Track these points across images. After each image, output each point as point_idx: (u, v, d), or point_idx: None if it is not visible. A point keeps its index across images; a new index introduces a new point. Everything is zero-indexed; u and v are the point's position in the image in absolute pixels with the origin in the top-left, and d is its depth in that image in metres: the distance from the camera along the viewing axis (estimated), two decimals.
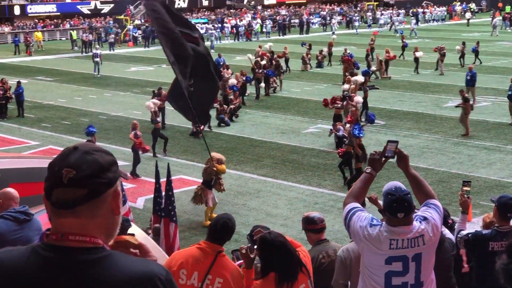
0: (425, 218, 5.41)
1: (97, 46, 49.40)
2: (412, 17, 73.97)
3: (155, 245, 7.33)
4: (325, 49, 44.62)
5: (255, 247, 6.22)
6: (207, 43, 57.69)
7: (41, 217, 7.28)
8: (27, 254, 2.47)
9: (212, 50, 51.62)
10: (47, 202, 2.48)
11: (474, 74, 30.24)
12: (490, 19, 69.12)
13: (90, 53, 51.88)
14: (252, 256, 6.19)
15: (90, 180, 2.44)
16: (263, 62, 34.82)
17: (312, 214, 7.80)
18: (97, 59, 42.32)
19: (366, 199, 7.73)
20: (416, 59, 39.41)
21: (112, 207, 2.52)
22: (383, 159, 5.63)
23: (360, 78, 28.01)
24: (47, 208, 2.50)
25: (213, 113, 27.52)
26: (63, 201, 2.44)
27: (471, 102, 29.75)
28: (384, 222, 5.43)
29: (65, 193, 2.43)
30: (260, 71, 33.45)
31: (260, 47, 42.15)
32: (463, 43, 41.50)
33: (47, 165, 2.51)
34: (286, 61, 41.38)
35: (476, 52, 42.30)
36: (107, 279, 2.41)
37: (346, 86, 26.95)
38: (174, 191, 14.75)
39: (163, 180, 13.64)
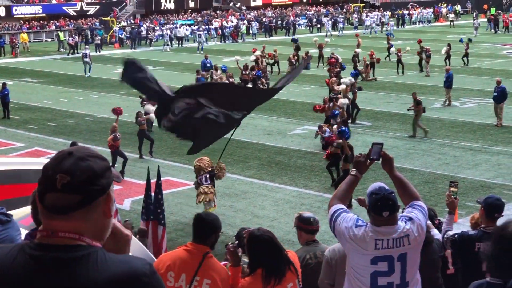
0: (410, 218, 5.46)
1: (87, 46, 49.35)
2: (391, 19, 74.39)
3: (142, 247, 7.32)
4: (313, 50, 44.77)
5: (238, 247, 6.25)
6: (195, 45, 57.90)
7: (25, 221, 7.23)
8: (15, 253, 2.49)
9: (202, 52, 51.63)
10: (40, 204, 2.50)
11: (451, 76, 30.45)
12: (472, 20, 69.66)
13: (78, 55, 51.86)
14: (239, 253, 6.22)
15: (84, 187, 2.46)
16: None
17: (306, 213, 7.79)
18: (87, 59, 42.56)
19: (355, 201, 7.75)
20: (399, 61, 39.68)
21: (104, 210, 2.54)
22: (368, 161, 5.66)
23: (349, 80, 28.06)
24: (39, 209, 2.51)
25: None
26: (56, 206, 2.45)
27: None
28: (369, 223, 5.46)
29: (58, 198, 2.44)
30: (247, 72, 33.44)
31: (264, 47, 42.21)
32: (449, 45, 41.72)
33: (30, 167, 2.53)
34: (277, 63, 41.54)
35: (466, 53, 42.60)
36: (92, 276, 2.42)
37: (343, 86, 27.01)
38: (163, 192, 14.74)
39: (153, 181, 13.65)
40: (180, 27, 62.95)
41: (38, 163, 12.65)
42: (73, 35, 57.94)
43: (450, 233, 7.62)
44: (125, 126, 24.14)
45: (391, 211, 5.35)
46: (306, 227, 7.55)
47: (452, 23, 75.51)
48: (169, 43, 58.35)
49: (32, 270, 2.43)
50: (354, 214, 5.62)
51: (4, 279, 2.44)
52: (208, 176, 16.65)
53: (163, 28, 62.54)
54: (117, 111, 21.93)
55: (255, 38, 65.45)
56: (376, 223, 5.39)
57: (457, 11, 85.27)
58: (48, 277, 2.42)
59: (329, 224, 5.63)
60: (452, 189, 7.97)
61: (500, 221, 7.62)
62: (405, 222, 5.43)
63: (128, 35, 61.72)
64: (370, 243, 5.35)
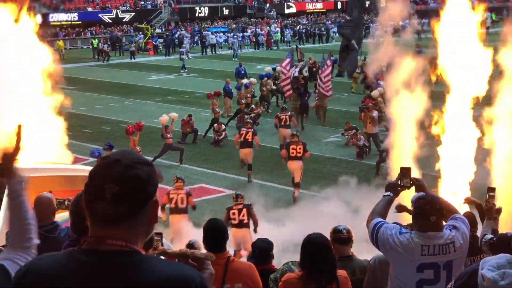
0: (454, 227, 5.52)
1: (184, 44, 56.03)
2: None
3: None
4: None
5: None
6: (230, 52, 58.06)
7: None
8: (64, 259, 2.50)
9: (236, 59, 51.78)
10: (88, 211, 2.49)
11: None
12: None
13: (112, 62, 52.39)
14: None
15: (132, 197, 2.45)
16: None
17: (339, 226, 7.74)
18: (184, 56, 49.46)
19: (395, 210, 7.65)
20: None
21: (150, 216, 2.55)
22: (399, 188, 5.82)
23: (378, 91, 27.85)
24: (87, 216, 2.51)
25: (233, 121, 27.61)
26: (105, 215, 2.45)
27: None
28: (414, 230, 5.49)
29: (107, 208, 2.44)
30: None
31: (310, 58, 42.59)
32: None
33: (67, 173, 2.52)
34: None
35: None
36: (145, 281, 2.44)
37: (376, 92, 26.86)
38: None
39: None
40: (212, 35, 63.20)
41: (72, 169, 12.78)
42: (108, 42, 58.42)
43: (488, 236, 7.59)
44: (158, 133, 24.27)
45: (438, 215, 5.41)
46: (336, 236, 7.50)
47: (487, 30, 74.77)
48: (187, 55, 58.53)
49: (84, 276, 2.44)
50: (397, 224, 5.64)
51: (59, 286, 2.45)
52: None
53: (193, 34, 62.78)
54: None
55: (290, 45, 65.34)
56: (423, 229, 5.41)
57: (494, 18, 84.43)
58: (100, 283, 2.43)
59: (371, 237, 5.62)
60: (490, 193, 8.05)
61: None
62: (450, 230, 5.48)
63: (163, 42, 62.09)
64: (416, 249, 5.36)
